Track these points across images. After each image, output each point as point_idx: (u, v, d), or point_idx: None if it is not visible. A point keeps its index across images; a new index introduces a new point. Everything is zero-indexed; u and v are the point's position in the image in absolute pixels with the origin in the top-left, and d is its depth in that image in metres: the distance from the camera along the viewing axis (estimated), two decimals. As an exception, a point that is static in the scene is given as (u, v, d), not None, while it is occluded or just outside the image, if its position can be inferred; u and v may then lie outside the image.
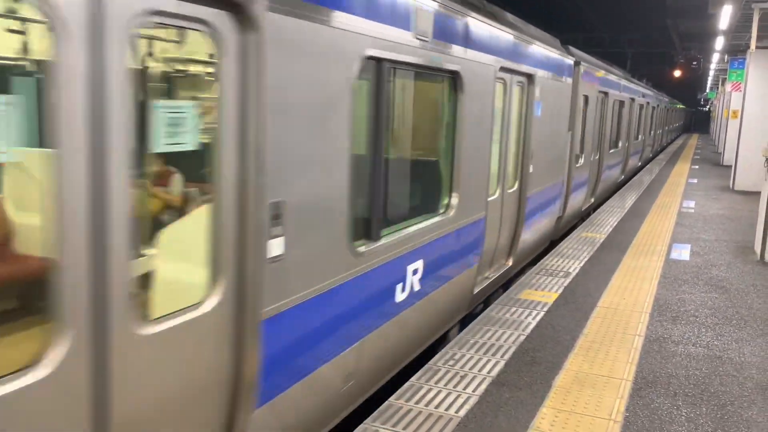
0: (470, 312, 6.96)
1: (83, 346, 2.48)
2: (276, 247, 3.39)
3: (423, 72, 5.31)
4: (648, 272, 8.42)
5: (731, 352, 5.82)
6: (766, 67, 17.14)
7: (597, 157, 13.99)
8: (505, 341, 5.77)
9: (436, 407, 4.50)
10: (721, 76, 34.90)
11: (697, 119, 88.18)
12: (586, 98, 11.56)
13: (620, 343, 5.85)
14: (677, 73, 34.07)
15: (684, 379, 5.18)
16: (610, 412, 4.55)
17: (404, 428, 4.20)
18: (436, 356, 5.38)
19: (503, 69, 6.87)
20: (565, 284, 7.66)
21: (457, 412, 4.45)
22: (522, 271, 9.05)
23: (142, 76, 2.93)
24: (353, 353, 4.32)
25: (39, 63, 2.58)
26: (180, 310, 2.96)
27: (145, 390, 2.80)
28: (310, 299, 3.74)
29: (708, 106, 79.46)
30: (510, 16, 7.60)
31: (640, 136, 22.41)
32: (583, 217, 13.29)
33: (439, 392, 4.73)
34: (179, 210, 3.29)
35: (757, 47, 15.73)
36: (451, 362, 5.27)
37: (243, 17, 3.06)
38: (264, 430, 3.53)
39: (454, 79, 5.69)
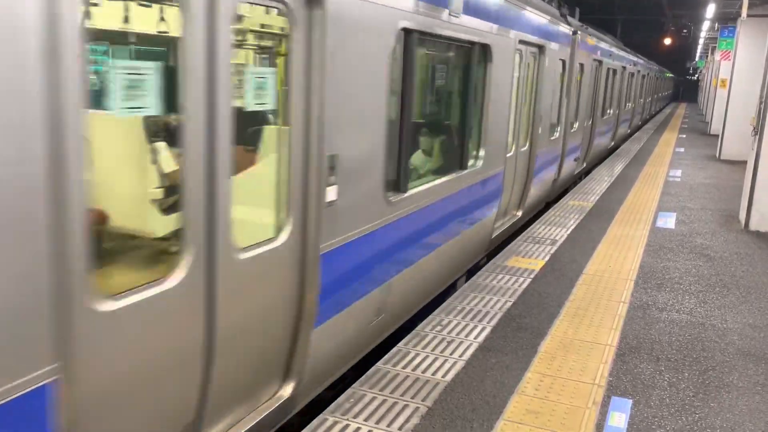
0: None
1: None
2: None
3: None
4: (634, 240, 8.49)
5: (714, 318, 5.91)
6: (757, 35, 17.08)
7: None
8: (491, 308, 5.82)
9: (423, 372, 4.55)
10: (711, 45, 34.79)
11: (686, 88, 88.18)
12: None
13: (605, 310, 5.92)
14: (667, 41, 33.91)
15: (667, 344, 5.26)
16: (594, 376, 4.62)
17: (391, 392, 4.25)
18: (424, 322, 5.42)
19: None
20: (552, 252, 7.72)
21: (444, 376, 4.50)
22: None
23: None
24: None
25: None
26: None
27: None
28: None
29: (697, 75, 79.44)
30: None
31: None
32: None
33: (426, 357, 4.78)
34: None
35: (748, 15, 15.62)
36: (438, 328, 5.31)
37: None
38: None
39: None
